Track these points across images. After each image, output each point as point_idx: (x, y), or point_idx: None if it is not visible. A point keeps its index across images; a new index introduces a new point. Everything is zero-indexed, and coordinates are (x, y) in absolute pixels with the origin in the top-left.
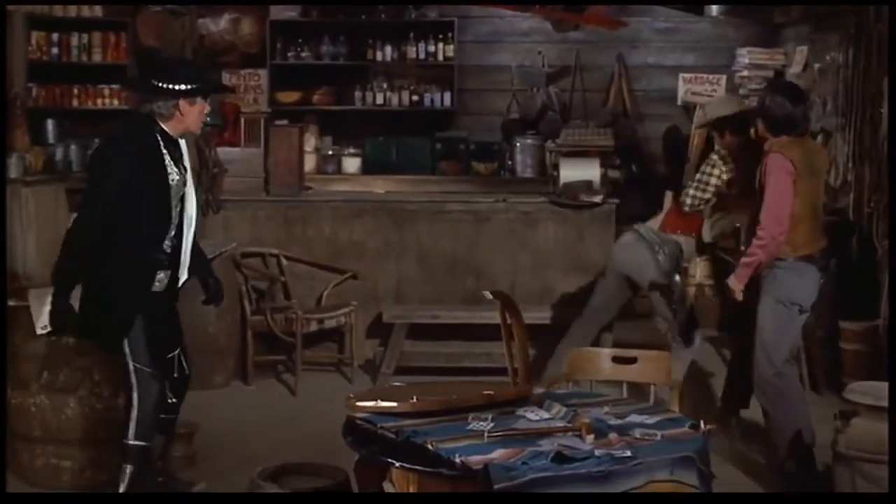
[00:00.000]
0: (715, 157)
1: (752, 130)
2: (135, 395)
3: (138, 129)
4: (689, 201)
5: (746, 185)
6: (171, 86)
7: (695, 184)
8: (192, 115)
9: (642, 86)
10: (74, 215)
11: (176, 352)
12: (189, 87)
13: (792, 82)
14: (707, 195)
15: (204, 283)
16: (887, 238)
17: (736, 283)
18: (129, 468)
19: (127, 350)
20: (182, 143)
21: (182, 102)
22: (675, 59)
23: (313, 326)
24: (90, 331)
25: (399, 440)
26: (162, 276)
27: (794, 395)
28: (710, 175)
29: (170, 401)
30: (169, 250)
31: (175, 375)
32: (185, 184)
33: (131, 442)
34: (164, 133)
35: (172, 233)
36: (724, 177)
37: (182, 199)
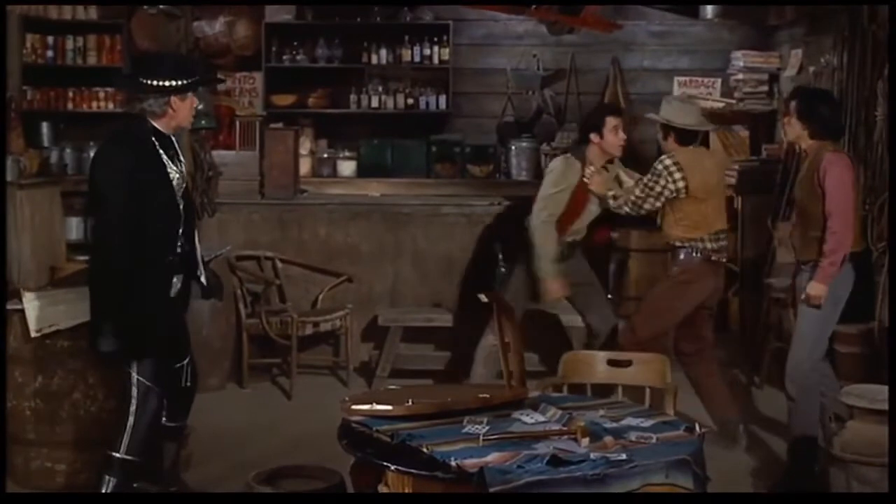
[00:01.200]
0: (669, 162)
1: (786, 132)
2: (132, 409)
3: (133, 129)
4: (626, 209)
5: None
6: (162, 83)
7: (640, 188)
8: (183, 110)
9: (637, 89)
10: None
11: (185, 361)
12: (181, 82)
13: (828, 90)
14: (648, 204)
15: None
16: (883, 240)
17: (823, 289)
18: (112, 481)
19: (135, 364)
20: (173, 139)
21: (174, 99)
22: (669, 63)
23: (308, 329)
24: (105, 345)
25: (394, 443)
26: (176, 280)
27: (818, 393)
28: (657, 184)
29: (173, 410)
30: (180, 251)
31: (184, 385)
32: (184, 180)
33: (120, 455)
34: (156, 131)
35: (181, 232)
36: (678, 185)
37: (185, 197)
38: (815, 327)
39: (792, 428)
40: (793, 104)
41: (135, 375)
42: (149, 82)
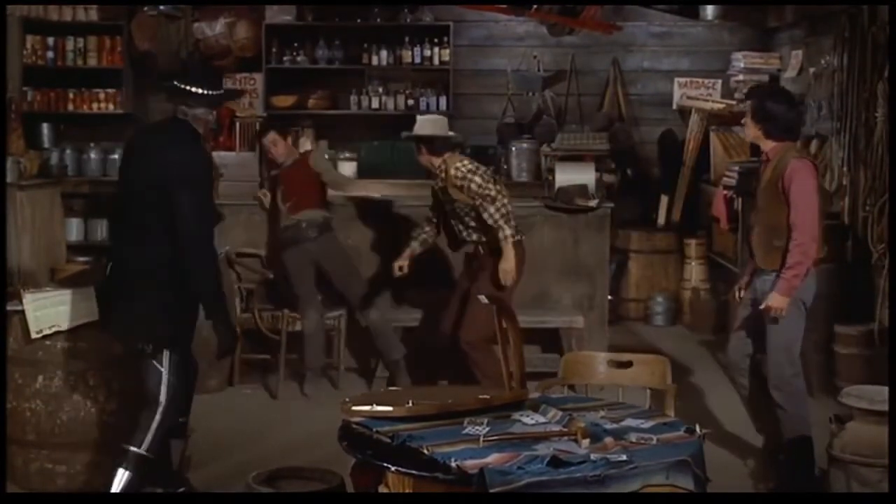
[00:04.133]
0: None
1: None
2: (161, 407)
3: (187, 129)
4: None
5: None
6: (210, 92)
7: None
8: (210, 117)
9: (637, 90)
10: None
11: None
12: (220, 92)
13: (783, 87)
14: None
15: None
16: (882, 242)
17: (785, 301)
18: (127, 475)
19: (166, 361)
20: None
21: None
22: (670, 64)
23: (298, 326)
24: (156, 338)
25: (394, 445)
26: None
27: (805, 396)
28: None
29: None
30: None
31: (188, 379)
32: None
33: (140, 451)
34: (199, 133)
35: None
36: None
37: None
38: (787, 334)
39: (785, 434)
40: (748, 104)
41: (166, 374)
42: (201, 91)
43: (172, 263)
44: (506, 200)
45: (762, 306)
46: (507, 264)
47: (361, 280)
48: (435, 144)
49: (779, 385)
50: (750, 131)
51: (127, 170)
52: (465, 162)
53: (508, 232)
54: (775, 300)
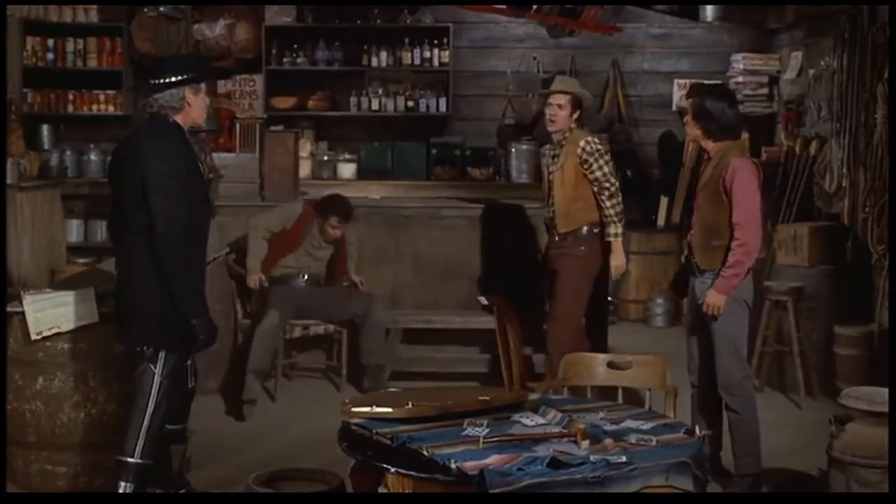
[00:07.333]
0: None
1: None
2: (149, 410)
3: (167, 123)
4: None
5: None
6: (174, 78)
7: (617, 207)
8: (198, 105)
9: (637, 91)
10: (158, 230)
11: (189, 361)
12: (191, 75)
13: (724, 85)
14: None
15: None
16: (882, 243)
17: (723, 299)
18: (129, 487)
19: (161, 363)
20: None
21: (188, 93)
22: (669, 65)
23: (297, 332)
24: (152, 339)
25: (394, 446)
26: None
27: (755, 400)
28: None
29: (177, 412)
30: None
31: (188, 386)
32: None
33: (133, 460)
34: (179, 126)
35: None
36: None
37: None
38: (734, 337)
39: (736, 436)
40: (689, 102)
41: (158, 377)
42: (162, 80)
43: None
44: (620, 198)
45: (699, 302)
46: (618, 260)
47: (357, 294)
48: (584, 105)
49: (730, 389)
50: (691, 130)
51: (111, 173)
52: (598, 140)
53: (620, 230)
54: (712, 297)
